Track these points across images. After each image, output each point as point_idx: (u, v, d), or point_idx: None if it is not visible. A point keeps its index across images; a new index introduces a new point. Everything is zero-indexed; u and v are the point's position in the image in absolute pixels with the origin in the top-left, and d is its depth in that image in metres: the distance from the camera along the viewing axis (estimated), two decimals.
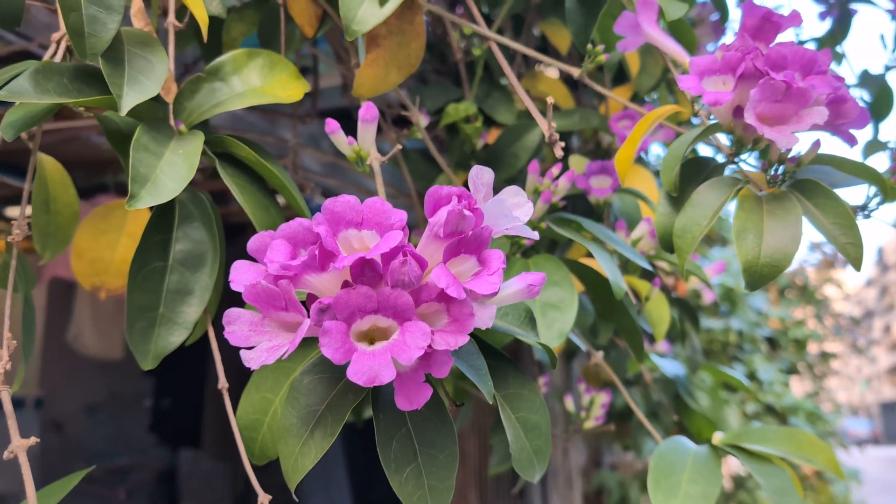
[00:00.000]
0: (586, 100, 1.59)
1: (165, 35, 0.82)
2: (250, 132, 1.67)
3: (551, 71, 1.54)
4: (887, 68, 1.38)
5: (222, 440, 2.99)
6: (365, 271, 0.55)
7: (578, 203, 1.15)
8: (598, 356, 1.01)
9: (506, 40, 0.88)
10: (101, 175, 2.32)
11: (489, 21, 1.37)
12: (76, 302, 2.93)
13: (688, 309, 1.33)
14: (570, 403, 1.27)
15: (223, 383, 0.73)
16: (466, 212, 0.54)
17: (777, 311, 5.68)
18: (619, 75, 1.46)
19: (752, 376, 4.53)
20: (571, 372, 2.45)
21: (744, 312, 4.46)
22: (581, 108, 1.35)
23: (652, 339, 1.15)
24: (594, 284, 0.94)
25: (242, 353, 0.55)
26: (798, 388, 7.10)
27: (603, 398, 1.21)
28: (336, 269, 0.54)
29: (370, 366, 0.51)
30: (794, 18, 0.75)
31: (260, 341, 0.56)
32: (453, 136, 1.28)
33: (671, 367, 1.41)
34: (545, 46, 1.52)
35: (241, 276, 0.58)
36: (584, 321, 1.09)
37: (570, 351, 1.72)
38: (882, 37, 1.36)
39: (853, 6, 1.49)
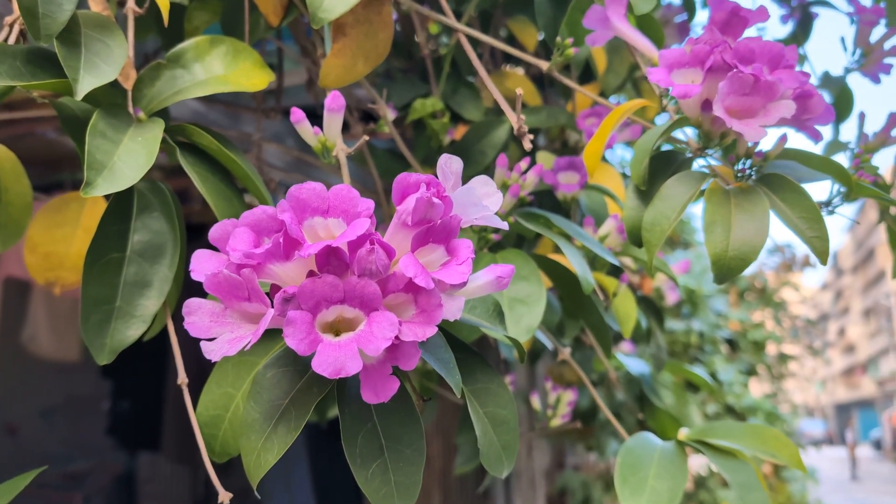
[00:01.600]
0: (553, 99, 1.58)
1: (124, 23, 0.79)
2: (212, 127, 1.64)
3: (517, 71, 1.54)
4: (847, 70, 1.40)
5: (182, 443, 2.93)
6: (331, 260, 0.53)
7: (546, 199, 1.14)
8: (566, 353, 1.00)
9: (475, 32, 0.87)
10: (57, 172, 2.27)
11: (457, 17, 1.37)
12: (31, 302, 2.86)
13: (653, 307, 1.33)
14: (536, 402, 1.27)
15: (182, 379, 0.71)
16: (435, 199, 0.53)
17: (737, 313, 5.77)
18: (586, 74, 1.46)
19: (712, 377, 4.58)
20: (535, 372, 2.45)
21: (705, 314, 4.52)
22: (548, 105, 1.35)
23: (619, 337, 1.15)
24: (562, 280, 0.93)
25: (203, 344, 0.53)
26: (756, 389, 7.22)
27: (569, 396, 1.21)
28: (301, 258, 0.53)
29: (336, 357, 0.50)
30: (762, 13, 0.76)
31: (221, 332, 0.55)
32: (420, 132, 1.27)
33: (636, 365, 1.42)
34: (512, 46, 1.52)
35: (203, 265, 0.57)
36: (551, 319, 1.09)
37: (534, 351, 1.71)
38: (843, 39, 1.38)
39: (814, 9, 1.52)
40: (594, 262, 1.06)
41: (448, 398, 1.60)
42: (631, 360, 1.43)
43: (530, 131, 1.38)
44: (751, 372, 5.65)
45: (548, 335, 1.03)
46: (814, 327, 9.73)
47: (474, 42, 1.32)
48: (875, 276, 32.48)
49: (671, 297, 2.60)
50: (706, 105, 0.71)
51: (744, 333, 5.67)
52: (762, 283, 6.77)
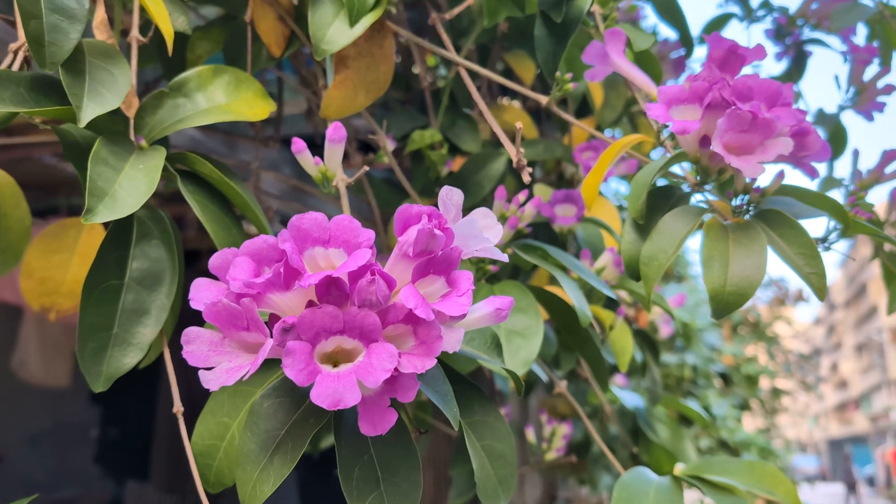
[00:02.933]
0: (549, 132, 1.60)
1: (126, 52, 0.80)
2: (211, 155, 1.64)
3: (515, 104, 1.55)
4: (841, 108, 1.42)
5: (171, 472, 2.90)
6: (331, 290, 0.53)
7: (542, 232, 1.14)
8: (563, 386, 1.00)
9: (475, 66, 0.88)
10: (54, 197, 2.27)
11: (456, 51, 1.38)
12: (22, 328, 2.84)
13: (648, 340, 1.33)
14: (531, 435, 1.26)
15: (178, 407, 0.70)
16: (437, 231, 0.53)
17: (730, 347, 5.77)
18: (582, 109, 1.48)
19: (706, 411, 4.56)
20: (528, 405, 2.44)
21: (698, 348, 4.51)
22: (545, 138, 1.36)
23: (613, 370, 1.15)
24: (559, 312, 0.93)
25: (201, 373, 0.53)
26: (749, 424, 7.20)
27: (564, 429, 1.20)
28: (301, 288, 0.53)
29: (335, 388, 0.50)
30: (759, 52, 0.77)
31: (220, 362, 0.54)
32: (418, 164, 1.28)
33: (631, 398, 1.41)
34: (510, 80, 1.54)
35: (202, 294, 0.56)
36: (547, 351, 1.09)
37: (528, 383, 1.70)
38: (836, 77, 1.40)
39: (808, 48, 1.54)
40: (591, 294, 1.06)
41: (440, 429, 1.59)
42: (626, 394, 1.43)
43: (527, 164, 1.39)
44: (744, 406, 5.63)
45: (544, 368, 1.03)
46: (807, 362, 9.73)
47: (472, 75, 1.33)
48: (867, 311, 32.55)
49: (665, 331, 2.60)
50: (704, 141, 0.72)
51: (737, 367, 5.66)
52: (755, 318, 6.78)
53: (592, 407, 1.72)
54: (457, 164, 1.31)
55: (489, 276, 0.92)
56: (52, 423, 3.20)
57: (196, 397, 0.83)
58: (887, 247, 1.23)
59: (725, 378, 5.48)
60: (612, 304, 1.10)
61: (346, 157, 1.29)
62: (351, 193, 1.39)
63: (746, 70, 0.78)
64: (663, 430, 1.36)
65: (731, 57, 0.75)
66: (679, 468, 0.92)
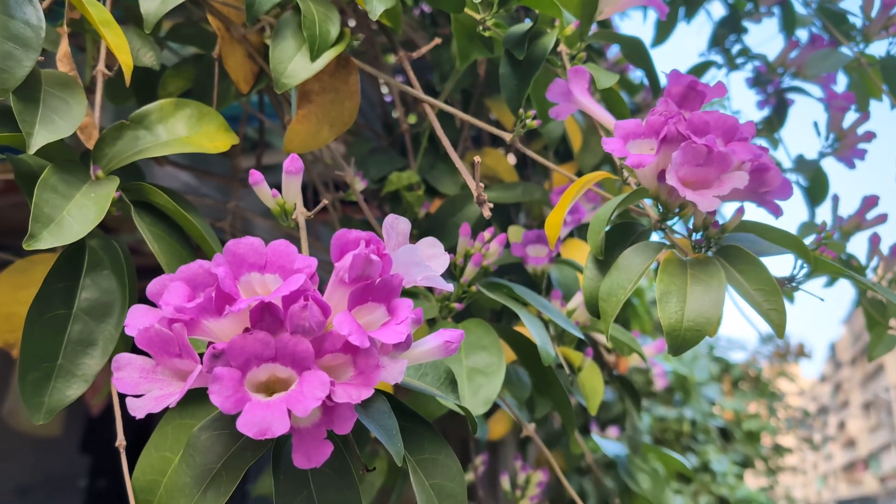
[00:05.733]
0: (535, 178, 1.60)
1: (103, 84, 0.80)
2: (204, 199, 1.65)
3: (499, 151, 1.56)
4: (821, 154, 1.42)
5: None
6: (265, 316, 0.52)
7: (517, 273, 1.13)
8: (531, 429, 0.98)
9: (440, 103, 0.88)
10: None
11: (437, 95, 1.39)
12: (14, 375, 2.80)
13: (629, 387, 1.30)
14: (506, 482, 1.23)
15: (121, 441, 0.69)
16: (373, 256, 0.52)
17: (731, 402, 5.68)
18: (564, 153, 1.48)
19: (705, 467, 4.48)
20: (527, 452, 2.39)
21: (697, 402, 4.45)
22: (525, 181, 1.36)
23: (605, 423, 1.12)
24: (526, 352, 0.91)
25: (128, 401, 0.52)
26: (752, 482, 7.05)
27: (539, 477, 1.17)
28: (233, 313, 0.51)
29: (262, 416, 0.48)
30: (719, 89, 0.76)
31: (150, 389, 0.53)
32: (396, 205, 1.28)
33: (613, 447, 1.38)
34: (497, 124, 1.55)
35: (138, 320, 0.55)
36: (520, 394, 1.07)
37: (518, 429, 1.67)
38: (815, 124, 1.40)
39: (789, 96, 1.55)
40: (563, 336, 1.04)
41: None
42: (607, 443, 1.40)
43: (506, 208, 1.39)
44: (746, 464, 5.52)
45: (512, 411, 1.01)
46: (812, 420, 9.58)
47: (450, 120, 1.34)
48: (874, 369, 32.20)
49: (660, 383, 2.56)
50: (662, 176, 0.71)
51: (738, 423, 5.57)
52: (756, 372, 6.70)
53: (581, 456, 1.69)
54: (435, 206, 1.30)
55: (455, 314, 0.90)
56: (41, 473, 3.15)
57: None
58: (871, 293, 1.22)
59: (726, 434, 5.39)
60: (583, 347, 1.09)
61: (316, 195, 1.29)
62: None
63: (707, 107, 0.77)
64: (645, 479, 1.32)
65: (691, 93, 0.75)
66: None
